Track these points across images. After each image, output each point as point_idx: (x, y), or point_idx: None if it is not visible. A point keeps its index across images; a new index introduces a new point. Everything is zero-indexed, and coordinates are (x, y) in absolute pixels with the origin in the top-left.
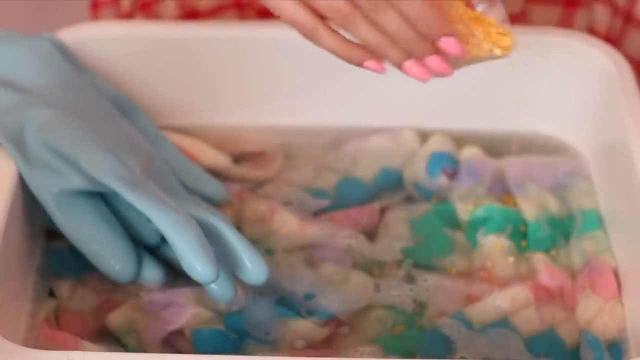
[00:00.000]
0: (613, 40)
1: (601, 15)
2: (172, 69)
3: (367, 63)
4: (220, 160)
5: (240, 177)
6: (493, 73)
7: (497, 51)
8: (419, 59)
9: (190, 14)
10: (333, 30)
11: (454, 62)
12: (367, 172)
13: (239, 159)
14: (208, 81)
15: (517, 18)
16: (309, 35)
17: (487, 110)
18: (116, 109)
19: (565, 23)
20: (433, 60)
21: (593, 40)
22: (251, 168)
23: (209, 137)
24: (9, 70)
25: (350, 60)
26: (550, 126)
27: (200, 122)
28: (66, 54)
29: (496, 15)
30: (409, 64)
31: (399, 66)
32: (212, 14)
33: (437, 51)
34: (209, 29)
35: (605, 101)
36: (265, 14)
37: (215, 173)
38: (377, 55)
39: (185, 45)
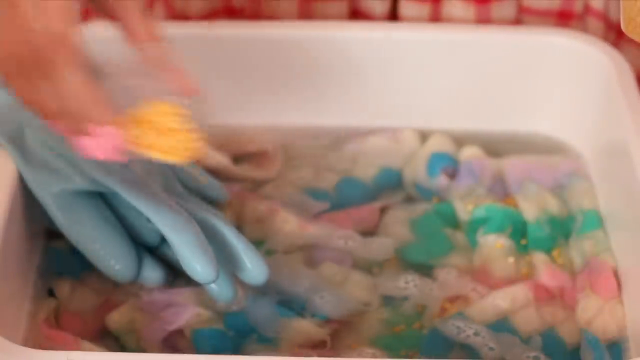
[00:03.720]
0: None
1: (594, 28)
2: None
3: (48, 122)
4: (220, 160)
5: (240, 177)
6: (493, 73)
7: (168, 157)
8: (83, 135)
9: (180, 20)
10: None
11: (125, 151)
12: (367, 172)
13: (239, 159)
14: (208, 81)
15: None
16: (7, 79)
17: (487, 110)
18: None
19: None
20: (90, 142)
21: (593, 40)
22: (251, 168)
23: (209, 137)
24: None
25: (34, 113)
26: (550, 126)
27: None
28: None
29: (198, 115)
30: (79, 140)
31: (67, 136)
32: (202, 19)
33: (96, 135)
34: (210, 29)
35: (605, 101)
36: (256, 20)
37: (215, 173)
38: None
39: (185, 45)
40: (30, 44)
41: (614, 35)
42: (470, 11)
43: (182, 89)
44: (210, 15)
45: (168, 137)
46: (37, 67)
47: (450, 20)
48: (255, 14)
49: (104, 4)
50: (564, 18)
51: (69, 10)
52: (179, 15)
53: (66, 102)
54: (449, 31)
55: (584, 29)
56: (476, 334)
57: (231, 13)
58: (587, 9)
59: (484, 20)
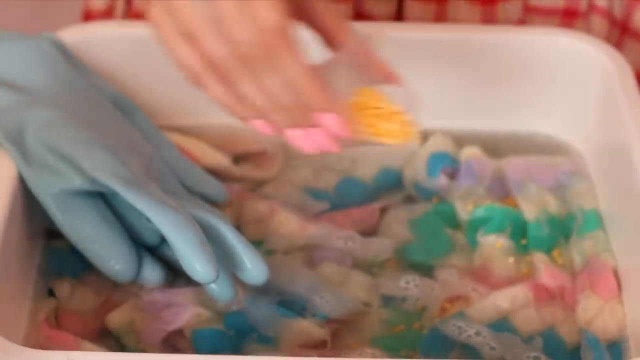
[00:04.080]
0: None
1: (599, 26)
2: (172, 69)
3: (256, 123)
4: (220, 160)
5: (240, 177)
6: (493, 73)
7: (387, 140)
8: (305, 129)
9: None
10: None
11: (341, 139)
12: (367, 172)
13: (239, 159)
14: None
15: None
16: (198, 81)
17: (487, 110)
18: (116, 109)
19: None
20: (316, 135)
21: (593, 40)
22: (251, 168)
23: (209, 137)
24: (8, 70)
25: (238, 116)
26: (550, 126)
27: (200, 122)
28: (66, 54)
29: (408, 102)
30: (292, 133)
31: (280, 132)
32: None
33: (319, 124)
34: None
35: (605, 101)
36: None
37: (215, 173)
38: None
39: None
40: (241, 42)
41: (618, 33)
42: (475, 11)
43: (387, 77)
44: None
45: (387, 121)
46: (248, 63)
47: (455, 20)
48: None
49: (303, 7)
50: (569, 17)
51: (278, 1)
52: None
53: (283, 94)
54: (448, 31)
55: (589, 27)
56: (477, 333)
57: None
58: (591, 7)
59: (489, 20)
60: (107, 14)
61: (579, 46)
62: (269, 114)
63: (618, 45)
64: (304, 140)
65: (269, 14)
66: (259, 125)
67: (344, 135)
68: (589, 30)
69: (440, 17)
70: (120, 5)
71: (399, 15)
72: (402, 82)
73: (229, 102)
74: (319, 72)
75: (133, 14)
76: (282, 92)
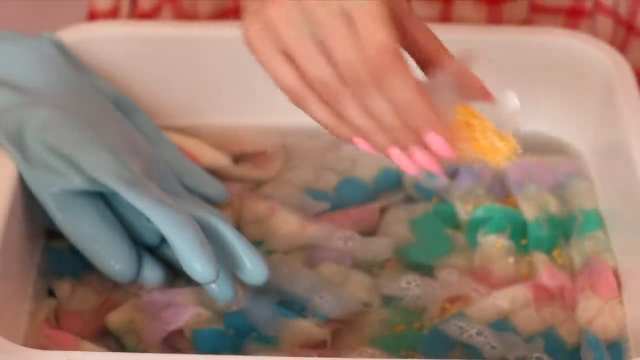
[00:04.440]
0: (616, 49)
1: (604, 25)
2: (172, 69)
3: (357, 141)
4: (220, 160)
5: (240, 177)
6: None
7: (489, 159)
8: (407, 149)
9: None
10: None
11: (443, 159)
12: (366, 172)
13: (239, 159)
14: (208, 81)
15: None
16: (298, 101)
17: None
18: (116, 109)
19: None
20: (420, 155)
21: (593, 40)
22: (251, 168)
23: (209, 137)
24: (8, 70)
25: (338, 136)
26: (550, 126)
27: (200, 122)
28: (66, 53)
29: (504, 116)
30: (395, 153)
31: (384, 152)
32: (211, 19)
33: (423, 144)
34: (209, 28)
35: (605, 101)
36: None
37: (215, 173)
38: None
39: (185, 45)
40: (345, 63)
41: (624, 31)
42: (481, 11)
43: (483, 96)
44: (219, 15)
45: (487, 139)
46: (352, 85)
47: (461, 20)
48: None
49: (403, 29)
50: (574, 16)
51: (387, 20)
52: (187, 16)
53: (388, 115)
54: (448, 31)
55: (594, 26)
56: (479, 333)
57: (240, 14)
58: (597, 6)
59: (495, 19)
60: (112, 13)
61: (579, 46)
62: (371, 134)
63: (623, 44)
64: (406, 161)
65: (378, 35)
66: (361, 145)
67: (449, 155)
68: (594, 29)
69: (446, 16)
70: (125, 5)
71: None
72: (496, 101)
73: (331, 123)
74: (426, 92)
75: (138, 13)
76: (387, 114)
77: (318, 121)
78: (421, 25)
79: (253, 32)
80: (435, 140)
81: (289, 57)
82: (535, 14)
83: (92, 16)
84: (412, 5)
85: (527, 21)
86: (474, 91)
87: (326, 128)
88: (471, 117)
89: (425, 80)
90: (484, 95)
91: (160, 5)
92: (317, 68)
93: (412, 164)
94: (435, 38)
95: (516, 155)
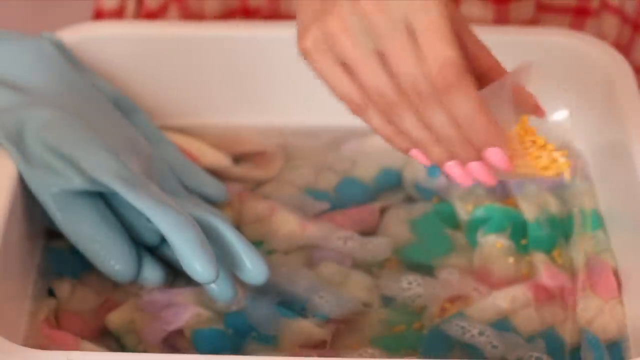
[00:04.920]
0: (622, 48)
1: (610, 24)
2: (172, 69)
3: (414, 152)
4: (220, 160)
5: (240, 177)
6: None
7: (545, 174)
8: (462, 162)
9: (196, 20)
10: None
11: (499, 173)
12: (367, 172)
13: (239, 159)
14: (208, 81)
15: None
16: (357, 111)
17: None
18: (116, 109)
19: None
20: (476, 167)
21: (593, 40)
22: (251, 168)
23: (209, 137)
24: (8, 70)
25: (395, 146)
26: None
27: (200, 122)
28: (66, 53)
29: (555, 131)
30: (451, 166)
31: (439, 164)
32: (217, 19)
33: (481, 158)
34: (209, 29)
35: (605, 101)
36: (272, 19)
37: (215, 173)
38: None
39: (185, 45)
40: (405, 77)
41: (630, 30)
42: (489, 10)
43: (536, 110)
44: (226, 15)
45: (542, 153)
46: (412, 98)
47: (469, 19)
48: (271, 14)
49: (466, 45)
50: (580, 15)
51: (452, 35)
52: (194, 15)
53: (447, 129)
54: None
55: (600, 25)
56: (481, 333)
57: (247, 13)
58: (603, 5)
59: (502, 18)
60: (118, 13)
61: (579, 47)
62: (428, 146)
63: (630, 43)
64: (461, 173)
65: (444, 50)
66: (417, 156)
67: (506, 169)
68: (600, 28)
69: None
70: (131, 5)
71: None
72: (545, 115)
73: (389, 134)
74: (488, 107)
75: (144, 13)
76: (447, 127)
77: (376, 131)
78: (478, 41)
79: (310, 42)
80: (495, 153)
81: (347, 68)
82: (542, 13)
83: (98, 15)
84: (469, 23)
85: (533, 20)
86: (528, 106)
87: (384, 138)
88: (527, 132)
89: (484, 94)
90: (537, 110)
91: (167, 5)
92: (376, 79)
93: (467, 176)
94: (491, 54)
95: (566, 171)
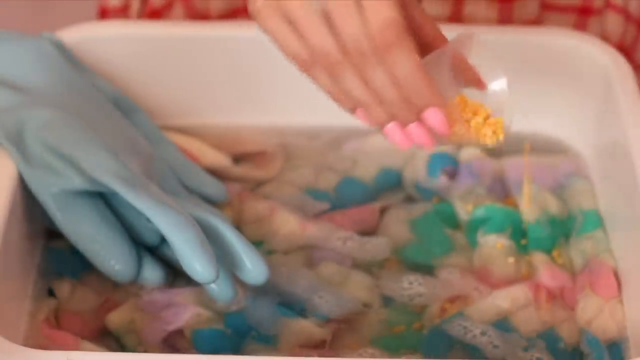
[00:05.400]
0: (626, 47)
1: (614, 22)
2: (173, 69)
3: (358, 112)
4: (220, 160)
5: (240, 177)
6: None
7: (482, 139)
8: (402, 124)
9: (200, 20)
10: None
11: (438, 137)
12: (367, 172)
13: (239, 159)
14: (208, 81)
15: (532, 25)
16: (305, 69)
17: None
18: (116, 109)
19: (579, 30)
20: (415, 130)
21: (593, 40)
22: (251, 168)
23: (209, 137)
24: (9, 70)
25: (342, 105)
26: (550, 126)
27: (200, 122)
28: (66, 53)
29: (498, 101)
30: (390, 127)
31: (381, 126)
32: (222, 19)
33: (421, 120)
34: (210, 29)
35: (605, 101)
36: None
37: (215, 173)
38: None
39: (185, 45)
40: (349, 37)
41: (634, 29)
42: (493, 9)
43: (476, 81)
44: (231, 14)
45: (480, 121)
46: (355, 58)
47: (472, 18)
48: None
49: (412, 16)
50: (585, 13)
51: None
52: (199, 13)
53: (388, 89)
54: (448, 32)
55: (604, 24)
56: (483, 333)
57: None
58: (607, 4)
59: (506, 17)
60: (123, 11)
61: (579, 46)
62: (370, 107)
63: (634, 41)
64: (401, 135)
65: (385, 11)
66: (361, 116)
67: (443, 132)
68: (604, 27)
69: (457, 14)
70: (136, 3)
71: None
72: (488, 88)
73: (334, 93)
74: (426, 69)
75: (149, 10)
76: (387, 87)
77: (322, 89)
78: (424, 12)
79: (260, 2)
80: (434, 115)
81: (295, 27)
82: (546, 12)
83: (103, 13)
84: None
85: (537, 19)
86: (468, 77)
87: (330, 97)
88: (467, 104)
89: (425, 61)
90: (478, 82)
91: (172, 3)
92: (320, 38)
93: (406, 138)
94: (435, 25)
95: (501, 139)
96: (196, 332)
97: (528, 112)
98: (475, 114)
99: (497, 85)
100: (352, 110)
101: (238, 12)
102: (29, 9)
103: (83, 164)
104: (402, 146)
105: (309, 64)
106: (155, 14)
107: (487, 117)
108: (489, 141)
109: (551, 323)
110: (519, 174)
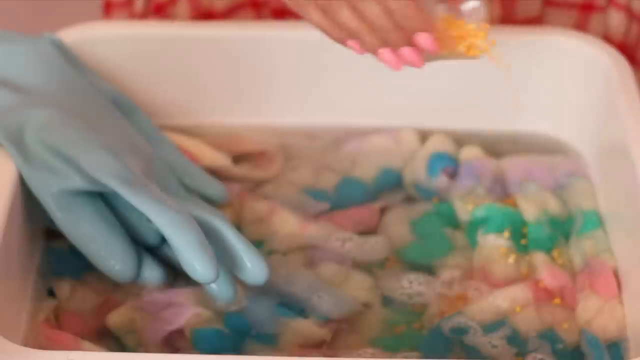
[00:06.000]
0: (630, 45)
1: (617, 20)
2: (173, 69)
3: (349, 42)
4: (220, 160)
5: (240, 177)
6: (493, 73)
7: (470, 53)
8: (393, 48)
9: (205, 15)
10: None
11: (427, 56)
12: (367, 172)
13: (239, 159)
14: (208, 81)
15: (534, 22)
16: (297, 7)
17: (487, 110)
18: (116, 109)
19: (581, 27)
20: (406, 51)
21: (594, 40)
22: (251, 168)
23: (209, 137)
24: (9, 70)
25: (332, 38)
26: (550, 126)
27: (200, 122)
28: (66, 54)
29: (476, 19)
30: (383, 51)
31: (373, 52)
32: (227, 14)
33: (411, 44)
34: (210, 29)
35: (605, 101)
36: (280, 14)
37: (215, 173)
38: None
39: (185, 45)
40: None
41: (638, 27)
42: (495, 6)
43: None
44: (235, 10)
45: (464, 36)
46: None
47: None
48: (279, 9)
49: None
50: (587, 10)
51: None
52: (203, 12)
53: (380, 19)
54: None
55: (606, 21)
56: (482, 333)
57: (256, 6)
58: (610, 1)
59: (508, 14)
60: (128, 5)
61: (579, 46)
62: (363, 35)
63: (637, 39)
64: (393, 57)
65: None
66: (353, 46)
67: (434, 51)
68: (607, 24)
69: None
70: None
71: None
72: (463, 6)
73: (326, 26)
74: None
75: (154, 6)
76: (380, 17)
77: (315, 24)
78: None
79: None
80: (425, 38)
81: None
82: (549, 8)
83: (108, 7)
84: None
85: (539, 16)
86: None
87: (322, 30)
88: (447, 18)
89: None
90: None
91: None
92: None
93: (397, 61)
94: None
95: (486, 53)
96: (196, 332)
97: (528, 112)
98: (459, 31)
99: (472, 4)
100: (343, 41)
101: (243, 7)
102: (29, 9)
103: (83, 163)
104: (394, 67)
105: (303, 1)
106: (160, 9)
107: (470, 33)
108: (478, 54)
109: (551, 323)
110: (519, 173)
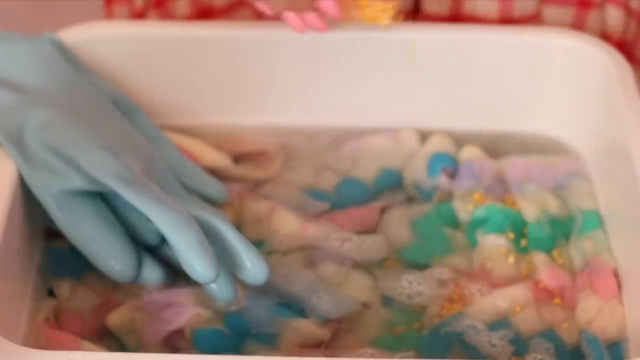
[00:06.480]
0: (628, 43)
1: (615, 17)
2: (172, 69)
3: (259, 4)
4: (220, 160)
5: (240, 177)
6: (493, 73)
7: (373, 22)
8: (299, 12)
9: (205, 12)
10: None
11: (331, 21)
12: (367, 172)
13: (239, 159)
14: (208, 81)
15: (532, 19)
16: None
17: (487, 110)
18: (116, 108)
19: (578, 24)
20: (310, 16)
21: (593, 40)
22: (251, 168)
23: (209, 137)
24: (9, 70)
25: None
26: (550, 126)
27: (200, 122)
28: (66, 54)
29: None
30: (288, 15)
31: (279, 15)
32: (226, 11)
33: (316, 9)
34: (209, 29)
35: (605, 101)
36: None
37: (215, 173)
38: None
39: (185, 45)
40: None
41: (636, 24)
42: (492, 2)
43: None
44: (234, 7)
45: (372, 4)
46: None
47: (472, 15)
48: None
49: None
50: (584, 6)
51: None
52: (204, 9)
53: None
54: (448, 31)
55: (604, 18)
56: (482, 333)
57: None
58: None
59: (506, 11)
60: (129, 1)
61: (578, 46)
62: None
63: (635, 37)
64: (297, 21)
65: None
66: (262, 7)
67: (336, 16)
68: (605, 21)
69: (457, 11)
70: None
71: (416, 10)
72: None
73: None
74: None
75: (154, 2)
76: None
77: None
78: None
79: None
80: (327, 4)
81: None
82: (546, 5)
83: (109, 2)
84: None
85: (536, 13)
86: None
87: None
88: None
89: None
90: None
91: None
92: None
93: (301, 25)
94: None
95: (390, 19)
96: (196, 332)
97: (528, 112)
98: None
99: None
100: (254, 1)
101: (242, 5)
102: (29, 9)
103: (83, 163)
104: (298, 30)
105: None
106: (160, 5)
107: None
108: (386, 20)
109: (551, 323)
110: (519, 173)
